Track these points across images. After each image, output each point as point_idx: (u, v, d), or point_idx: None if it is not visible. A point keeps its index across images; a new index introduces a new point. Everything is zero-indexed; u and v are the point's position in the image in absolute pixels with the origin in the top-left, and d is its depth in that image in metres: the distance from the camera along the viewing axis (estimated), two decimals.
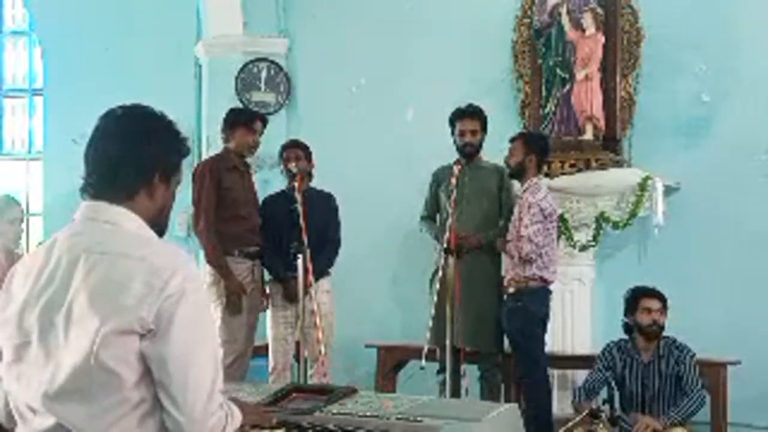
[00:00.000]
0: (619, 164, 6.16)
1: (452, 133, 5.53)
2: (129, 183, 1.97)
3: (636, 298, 4.71)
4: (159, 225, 2.04)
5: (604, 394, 4.76)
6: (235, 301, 5.01)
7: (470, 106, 5.55)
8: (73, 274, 1.88)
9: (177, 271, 1.85)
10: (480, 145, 5.51)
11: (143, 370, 1.83)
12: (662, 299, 4.69)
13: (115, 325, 1.80)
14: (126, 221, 1.96)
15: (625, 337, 4.76)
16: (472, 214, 5.40)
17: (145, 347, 1.82)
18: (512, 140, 5.32)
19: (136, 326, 1.81)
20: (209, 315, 1.95)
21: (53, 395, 1.85)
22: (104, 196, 1.97)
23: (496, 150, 5.49)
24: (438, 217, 5.63)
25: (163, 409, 1.85)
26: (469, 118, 5.49)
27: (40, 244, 5.48)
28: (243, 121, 5.29)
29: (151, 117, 2.03)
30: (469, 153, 5.46)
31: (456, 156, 5.44)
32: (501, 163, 5.43)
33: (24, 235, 6.03)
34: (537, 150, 5.24)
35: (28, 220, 5.81)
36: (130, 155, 1.96)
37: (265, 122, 5.40)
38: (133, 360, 1.82)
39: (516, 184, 5.42)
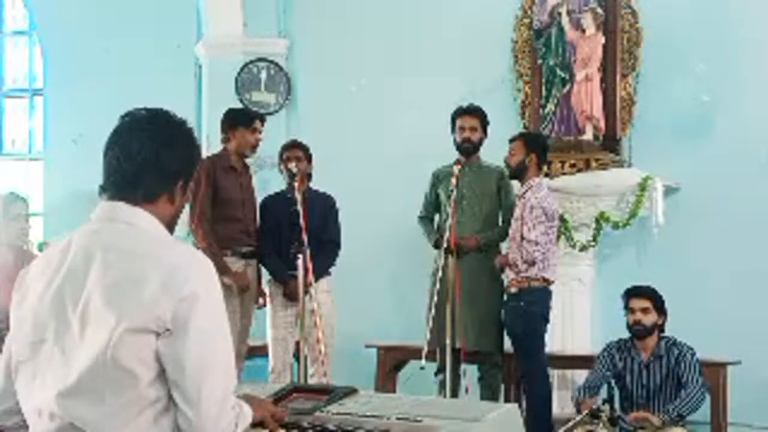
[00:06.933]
0: (619, 164, 6.17)
1: (452, 131, 5.53)
2: (152, 187, 1.96)
3: (627, 297, 4.74)
4: (172, 228, 2.05)
5: (604, 394, 4.76)
6: (244, 285, 5.07)
7: (471, 105, 5.56)
8: (89, 272, 1.87)
9: (193, 273, 1.86)
10: (479, 144, 5.51)
11: (159, 369, 1.83)
12: (651, 298, 4.68)
13: (131, 324, 1.80)
14: (144, 222, 1.95)
15: (626, 336, 4.77)
16: (472, 214, 5.40)
17: (161, 346, 1.82)
18: (512, 140, 5.33)
19: (152, 325, 1.81)
20: (224, 317, 1.92)
21: (68, 394, 1.84)
22: (124, 197, 1.96)
23: (496, 150, 5.49)
24: (438, 217, 5.63)
25: (177, 408, 1.85)
26: (468, 115, 5.49)
27: (40, 244, 5.51)
28: (243, 120, 5.30)
29: (176, 123, 2.03)
30: (466, 150, 5.45)
31: (455, 157, 5.44)
32: (500, 163, 5.42)
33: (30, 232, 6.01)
34: (537, 150, 5.24)
35: (27, 220, 5.80)
36: (156, 159, 1.95)
37: (263, 121, 5.42)
38: (150, 359, 1.82)
39: (516, 185, 5.42)
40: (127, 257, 1.87)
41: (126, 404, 1.82)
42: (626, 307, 4.71)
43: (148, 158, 1.95)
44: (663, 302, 4.70)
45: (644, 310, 4.64)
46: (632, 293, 4.72)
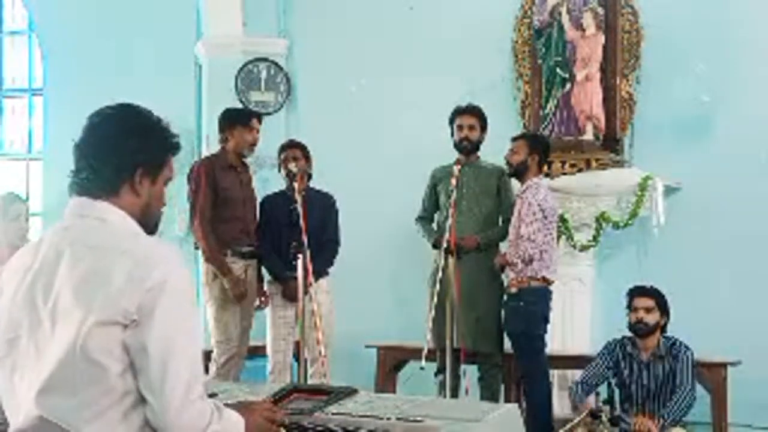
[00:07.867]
0: (619, 164, 6.17)
1: (451, 132, 5.53)
2: (110, 178, 2.00)
3: (630, 297, 4.77)
4: (147, 221, 2.06)
5: (604, 394, 4.76)
6: (240, 293, 5.04)
7: (469, 104, 5.57)
8: (59, 268, 1.91)
9: (158, 264, 1.88)
10: (478, 143, 5.51)
11: (128, 362, 1.86)
12: (655, 297, 4.71)
13: (99, 317, 1.83)
14: (110, 216, 1.99)
15: (629, 335, 4.78)
16: (472, 214, 5.40)
17: (128, 337, 1.85)
18: (514, 139, 5.33)
19: (119, 317, 1.84)
20: (191, 307, 1.95)
21: (42, 389, 1.87)
22: (89, 192, 2.00)
23: (496, 150, 5.49)
24: (437, 216, 5.63)
25: (145, 399, 1.87)
26: (467, 114, 5.49)
27: None
28: (241, 119, 5.30)
29: (132, 114, 2.06)
30: (465, 148, 5.45)
31: (455, 157, 5.43)
32: (500, 163, 5.42)
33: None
34: (539, 150, 5.24)
35: (27, 220, 5.80)
36: (108, 151, 1.99)
37: (260, 120, 5.42)
38: (118, 351, 1.85)
39: (515, 184, 5.42)
40: (95, 252, 1.91)
41: (96, 397, 1.85)
42: (629, 305, 4.72)
43: (105, 150, 1.99)
44: (666, 303, 4.73)
45: (648, 309, 4.66)
46: (636, 292, 4.75)
